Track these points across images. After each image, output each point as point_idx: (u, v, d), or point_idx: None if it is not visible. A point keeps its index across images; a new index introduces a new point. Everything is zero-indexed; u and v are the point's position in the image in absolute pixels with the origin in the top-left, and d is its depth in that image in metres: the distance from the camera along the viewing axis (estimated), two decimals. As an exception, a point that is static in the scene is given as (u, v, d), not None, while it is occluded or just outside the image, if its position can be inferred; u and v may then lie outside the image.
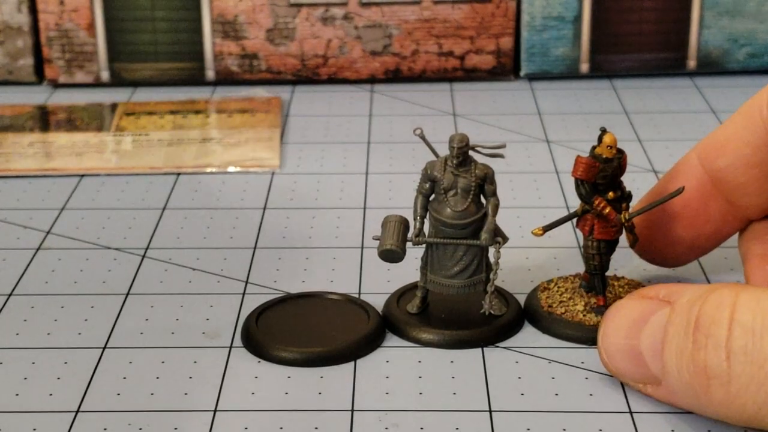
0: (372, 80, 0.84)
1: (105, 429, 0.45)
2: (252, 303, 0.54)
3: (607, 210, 0.50)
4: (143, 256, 0.59)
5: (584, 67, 0.83)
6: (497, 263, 0.51)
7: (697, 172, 0.52)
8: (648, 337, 0.45)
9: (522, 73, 0.83)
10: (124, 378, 0.49)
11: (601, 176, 0.50)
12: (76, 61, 0.82)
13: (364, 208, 0.64)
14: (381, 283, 0.56)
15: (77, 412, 0.46)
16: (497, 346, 0.51)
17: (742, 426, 0.43)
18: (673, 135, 0.74)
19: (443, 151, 0.51)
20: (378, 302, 0.54)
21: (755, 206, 0.52)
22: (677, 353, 0.43)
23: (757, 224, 0.53)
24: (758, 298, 0.42)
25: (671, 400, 0.45)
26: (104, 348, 0.51)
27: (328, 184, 0.68)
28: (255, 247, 0.60)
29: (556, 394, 0.47)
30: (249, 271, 0.57)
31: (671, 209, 0.53)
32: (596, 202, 0.51)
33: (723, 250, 0.56)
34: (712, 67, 0.83)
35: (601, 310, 0.51)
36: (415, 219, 0.51)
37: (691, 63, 0.83)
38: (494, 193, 0.50)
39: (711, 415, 0.44)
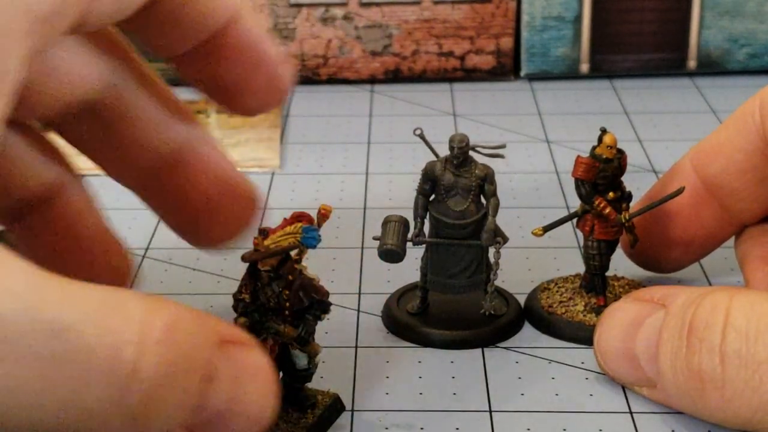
0: (372, 80, 0.84)
1: None
2: (252, 303, 0.54)
3: (608, 210, 0.50)
4: (143, 256, 0.59)
5: (584, 67, 0.83)
6: (497, 263, 0.51)
7: (691, 178, 0.52)
8: (643, 340, 0.45)
9: (522, 73, 0.83)
10: (124, 378, 0.48)
11: (601, 176, 0.50)
12: (76, 61, 0.82)
13: (364, 208, 0.64)
14: (381, 283, 0.56)
15: (77, 412, 0.46)
16: (497, 346, 0.51)
17: (738, 429, 0.43)
18: (673, 135, 0.74)
19: (443, 151, 0.51)
20: (378, 302, 0.54)
21: (749, 211, 0.52)
22: (672, 357, 0.43)
23: (753, 227, 0.53)
24: (752, 302, 0.42)
25: (667, 402, 0.45)
26: (104, 348, 0.51)
27: (328, 184, 0.68)
28: (255, 247, 0.60)
29: (556, 394, 0.47)
30: (249, 271, 0.57)
31: (665, 215, 0.53)
32: (596, 202, 0.51)
33: (723, 251, 0.55)
34: (712, 67, 0.83)
35: (601, 310, 0.51)
36: (415, 219, 0.51)
37: (691, 63, 0.83)
38: (494, 194, 0.50)
39: (707, 419, 0.44)
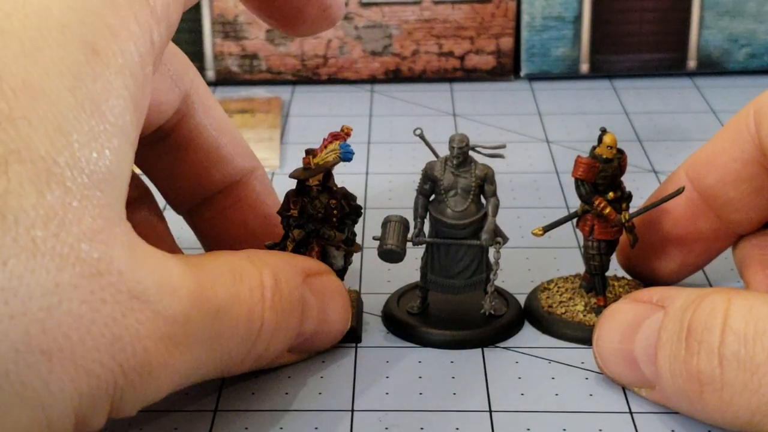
0: (372, 80, 0.84)
1: (105, 429, 0.45)
2: (252, 303, 0.54)
3: (608, 210, 0.50)
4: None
5: (584, 67, 0.83)
6: (497, 263, 0.51)
7: (687, 189, 0.52)
8: (641, 342, 0.45)
9: (522, 73, 0.83)
10: (125, 378, 0.48)
11: (601, 176, 0.50)
12: (76, 61, 0.82)
13: (364, 208, 0.64)
14: (381, 283, 0.56)
15: (77, 412, 0.46)
16: (497, 346, 0.51)
17: (737, 431, 0.43)
18: (673, 135, 0.74)
19: (443, 151, 0.51)
20: (378, 302, 0.54)
21: (745, 221, 0.52)
22: (670, 359, 0.43)
23: (752, 233, 0.53)
24: (751, 305, 0.42)
25: (666, 404, 0.45)
26: (104, 348, 0.51)
27: (328, 184, 0.68)
28: (255, 247, 0.60)
29: (556, 394, 0.47)
30: (249, 271, 0.57)
31: (662, 226, 0.53)
32: (596, 203, 0.51)
33: (724, 251, 0.55)
34: (712, 67, 0.83)
35: (601, 310, 0.51)
36: (415, 219, 0.51)
37: (691, 63, 0.83)
38: (494, 194, 0.50)
39: (706, 420, 0.43)
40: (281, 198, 0.51)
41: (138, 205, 0.52)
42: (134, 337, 0.37)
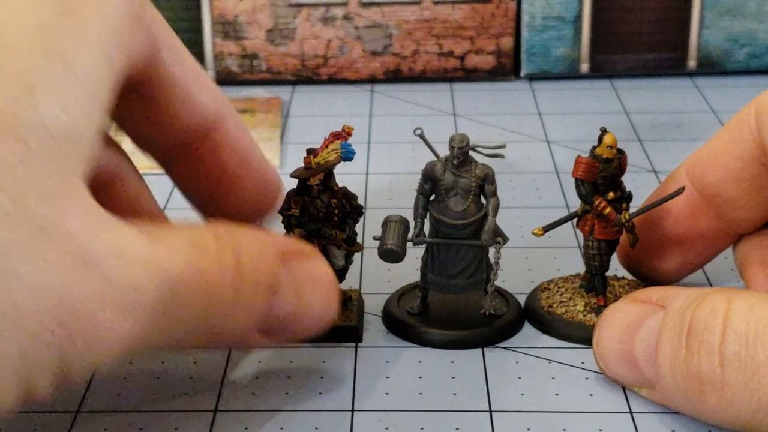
0: (372, 80, 0.84)
1: (105, 429, 0.45)
2: (252, 303, 0.54)
3: (608, 210, 0.50)
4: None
5: (584, 67, 0.83)
6: (497, 263, 0.51)
7: (687, 188, 0.52)
8: (642, 342, 0.45)
9: (522, 73, 0.83)
10: (124, 378, 0.49)
11: (602, 176, 0.50)
12: (76, 61, 0.82)
13: (365, 208, 0.64)
14: (381, 283, 0.56)
15: (77, 412, 0.46)
16: (497, 346, 0.51)
17: (737, 431, 0.43)
18: (673, 135, 0.74)
19: (443, 151, 0.51)
20: (378, 302, 0.54)
21: (746, 220, 0.52)
22: (671, 358, 0.43)
23: (752, 233, 0.53)
24: (751, 305, 0.42)
25: (667, 404, 0.45)
26: (104, 348, 0.51)
27: (328, 184, 0.67)
28: (255, 247, 0.60)
29: (556, 394, 0.47)
30: (249, 271, 0.57)
31: (662, 226, 0.53)
32: (596, 202, 0.51)
33: (724, 251, 0.55)
34: (712, 67, 0.83)
35: (601, 310, 0.51)
36: (415, 219, 0.51)
37: (691, 63, 0.83)
38: (494, 193, 0.50)
39: (706, 420, 0.44)
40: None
41: (118, 170, 0.51)
42: (80, 302, 0.36)
